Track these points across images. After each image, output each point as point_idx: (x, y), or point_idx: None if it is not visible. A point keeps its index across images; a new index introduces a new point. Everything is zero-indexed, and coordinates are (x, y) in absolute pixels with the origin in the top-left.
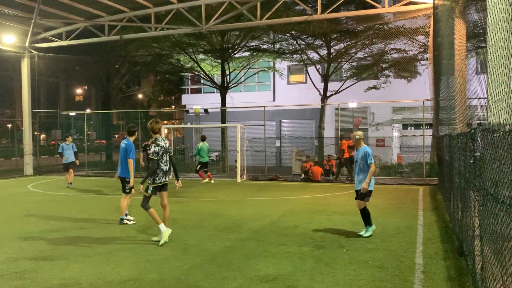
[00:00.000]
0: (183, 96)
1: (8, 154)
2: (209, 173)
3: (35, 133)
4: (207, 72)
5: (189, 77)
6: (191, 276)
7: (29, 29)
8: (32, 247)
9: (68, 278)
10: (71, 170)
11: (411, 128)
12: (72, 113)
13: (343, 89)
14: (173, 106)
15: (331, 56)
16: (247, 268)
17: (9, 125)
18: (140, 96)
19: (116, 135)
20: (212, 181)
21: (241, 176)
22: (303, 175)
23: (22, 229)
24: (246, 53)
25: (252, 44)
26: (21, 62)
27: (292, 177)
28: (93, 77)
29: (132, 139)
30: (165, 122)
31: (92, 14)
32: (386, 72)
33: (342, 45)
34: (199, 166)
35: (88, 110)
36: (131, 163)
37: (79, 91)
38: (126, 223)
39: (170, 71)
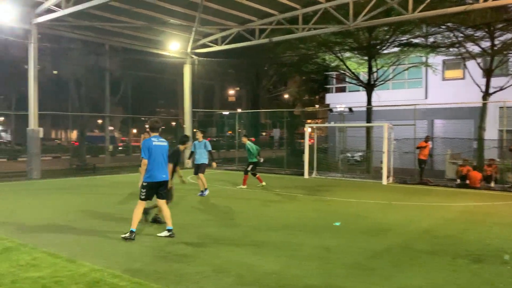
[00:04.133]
0: (327, 95)
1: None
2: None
3: (194, 130)
4: (353, 70)
5: (334, 76)
6: (332, 277)
7: (190, 36)
8: (189, 233)
9: (218, 265)
10: (201, 175)
11: None
12: (225, 112)
13: (510, 85)
14: (317, 106)
15: (495, 48)
16: (394, 276)
17: (173, 123)
18: (286, 96)
19: (264, 133)
20: (245, 186)
21: (387, 178)
22: (458, 180)
23: (181, 216)
24: (396, 49)
25: (402, 39)
26: (183, 66)
27: (445, 182)
28: (244, 79)
29: (153, 134)
30: (309, 121)
31: (244, 19)
32: None
33: (509, 35)
34: (251, 166)
35: (239, 110)
36: (169, 166)
37: (231, 92)
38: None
39: (315, 71)
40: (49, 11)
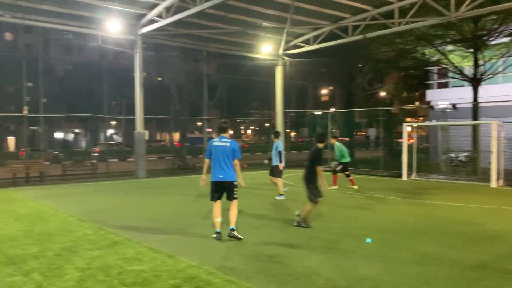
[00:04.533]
0: (428, 92)
1: (265, 149)
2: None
3: (286, 130)
4: (456, 64)
5: (435, 71)
6: (431, 286)
7: (282, 38)
8: (280, 233)
9: (309, 267)
10: (271, 178)
11: None
12: (318, 113)
13: None
14: (417, 103)
15: None
16: None
17: (267, 124)
18: (382, 93)
19: (358, 133)
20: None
21: (496, 181)
22: None
23: (272, 216)
24: (506, 39)
25: None
26: (275, 68)
27: None
28: (337, 78)
29: (226, 136)
30: (408, 119)
31: (336, 17)
32: None
33: None
34: (340, 167)
35: (332, 109)
36: (238, 163)
37: (324, 91)
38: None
39: (414, 66)
40: (151, 21)
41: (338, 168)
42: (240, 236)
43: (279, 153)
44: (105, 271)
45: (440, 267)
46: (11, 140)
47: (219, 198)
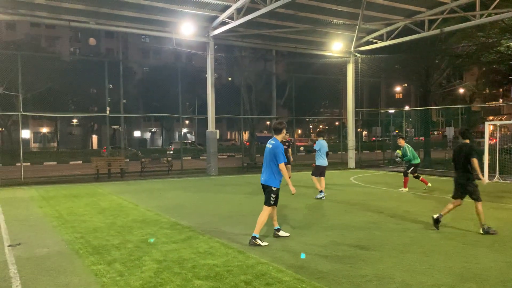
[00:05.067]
0: None
1: (335, 148)
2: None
3: (358, 129)
4: None
5: None
6: None
7: (353, 35)
8: (352, 234)
9: (382, 270)
10: (315, 178)
11: None
12: (391, 111)
13: None
14: (501, 100)
15: None
16: None
17: (337, 123)
18: (461, 90)
19: (435, 132)
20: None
21: None
22: None
23: (343, 217)
24: None
25: None
26: (346, 65)
27: None
28: (412, 74)
29: (279, 137)
30: (491, 117)
31: (411, 11)
32: None
33: None
34: (411, 168)
35: (406, 107)
36: (283, 168)
37: (398, 89)
38: (259, 245)
39: (497, 61)
40: (223, 23)
41: (410, 169)
42: (262, 244)
43: (320, 151)
44: (180, 263)
45: None
46: (94, 139)
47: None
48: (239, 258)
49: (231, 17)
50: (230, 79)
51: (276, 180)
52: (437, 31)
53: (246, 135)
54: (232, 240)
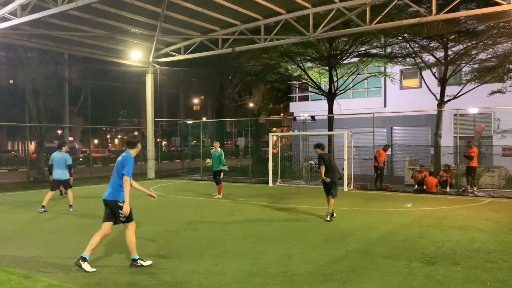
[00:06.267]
0: (291, 104)
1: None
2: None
3: (157, 140)
4: (315, 80)
5: (297, 85)
6: (294, 284)
7: (152, 46)
8: (152, 244)
9: (180, 276)
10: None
11: None
12: (190, 122)
13: (463, 94)
14: (282, 114)
15: (449, 58)
16: (351, 280)
17: (136, 133)
18: (251, 104)
19: (229, 142)
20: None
21: (348, 185)
22: (416, 185)
23: (142, 228)
24: (355, 59)
25: (361, 49)
26: (145, 76)
27: (404, 188)
28: (209, 88)
29: (133, 152)
30: (274, 129)
31: (207, 29)
32: None
33: (461, 46)
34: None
35: (204, 119)
36: (127, 181)
37: (196, 101)
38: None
39: (278, 80)
40: (3, 19)
41: (222, 176)
42: (145, 264)
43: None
44: None
45: (300, 266)
46: None
47: (107, 219)
48: (24, 284)
49: (14, 13)
50: (12, 81)
51: (122, 193)
52: (229, 50)
53: (32, 146)
54: (17, 264)
